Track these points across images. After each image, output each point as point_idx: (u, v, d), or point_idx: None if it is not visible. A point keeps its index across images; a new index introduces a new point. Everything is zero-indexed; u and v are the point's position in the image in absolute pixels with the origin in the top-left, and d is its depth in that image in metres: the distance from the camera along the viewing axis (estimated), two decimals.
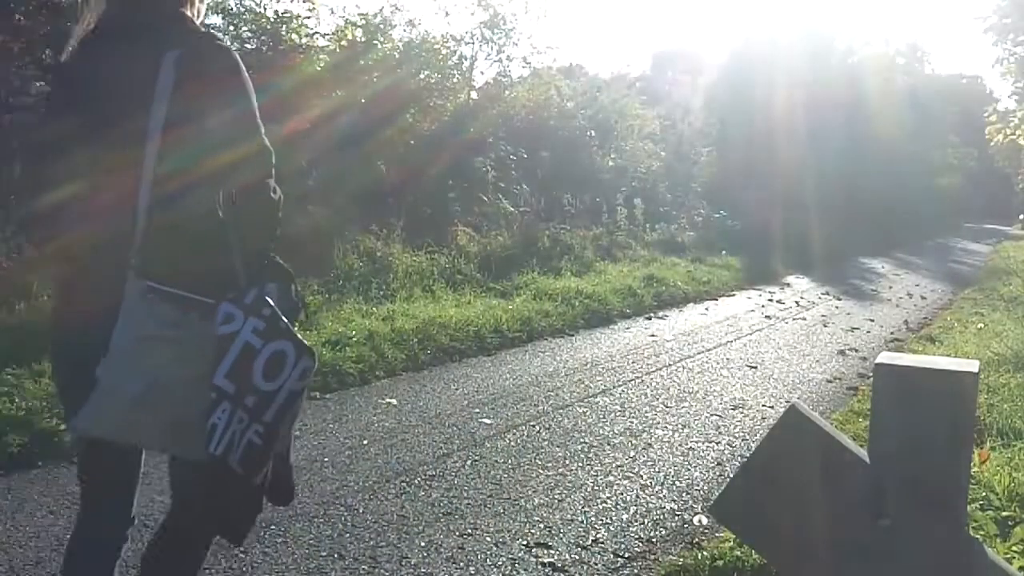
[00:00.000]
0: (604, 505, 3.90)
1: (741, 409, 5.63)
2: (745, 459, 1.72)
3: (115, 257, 1.84)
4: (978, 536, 2.79)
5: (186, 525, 2.07)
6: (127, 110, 1.86)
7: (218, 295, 1.84)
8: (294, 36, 11.11)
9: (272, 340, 1.84)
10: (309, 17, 11.56)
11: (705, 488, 4.18)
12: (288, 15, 11.25)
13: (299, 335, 1.90)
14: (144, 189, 1.84)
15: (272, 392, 1.85)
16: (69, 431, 2.10)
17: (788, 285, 12.46)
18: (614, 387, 6.03)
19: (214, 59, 1.90)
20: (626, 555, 3.42)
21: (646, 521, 3.75)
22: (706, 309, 10.00)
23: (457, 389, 5.77)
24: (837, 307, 10.58)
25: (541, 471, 4.28)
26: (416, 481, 4.06)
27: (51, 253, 2.04)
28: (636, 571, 3.31)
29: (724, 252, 14.17)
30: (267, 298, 1.86)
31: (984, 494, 3.62)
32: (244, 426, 1.83)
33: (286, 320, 1.89)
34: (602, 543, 3.51)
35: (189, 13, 1.99)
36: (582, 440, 4.80)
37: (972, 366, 1.44)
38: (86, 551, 2.08)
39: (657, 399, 5.77)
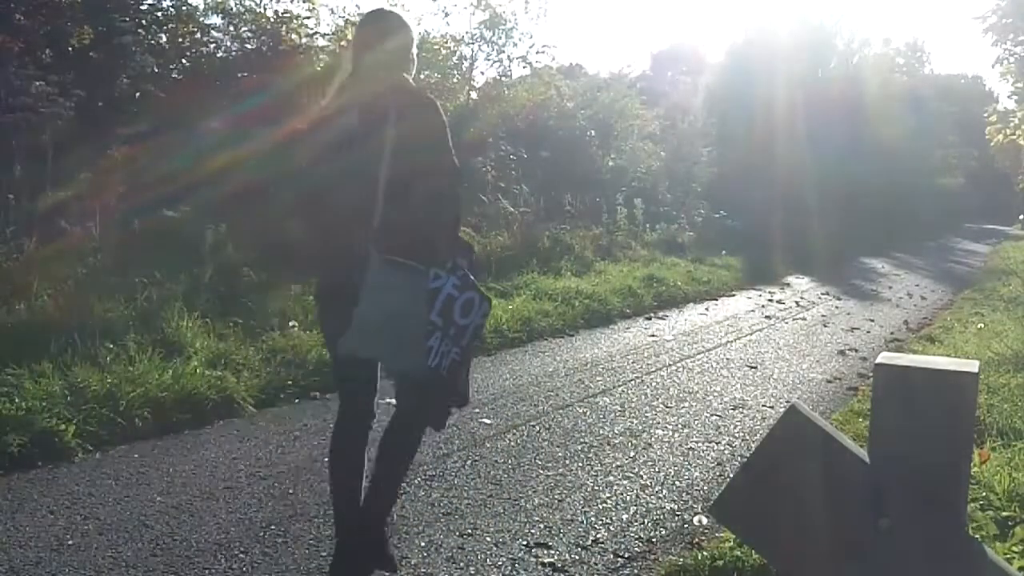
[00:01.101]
0: (604, 505, 3.90)
1: (741, 409, 5.63)
2: (745, 459, 1.72)
3: (363, 237, 2.82)
4: (978, 536, 2.79)
5: (407, 421, 3.03)
6: (369, 145, 2.85)
7: (425, 262, 2.78)
8: (294, 36, 11.11)
9: (465, 291, 2.81)
10: (309, 17, 11.57)
11: (705, 488, 4.18)
12: (288, 15, 11.25)
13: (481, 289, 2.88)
14: (380, 197, 2.82)
15: (466, 326, 2.83)
16: (333, 352, 3.06)
17: (788, 285, 12.47)
18: (614, 387, 6.03)
19: (423, 110, 2.92)
20: (626, 555, 3.42)
21: (646, 521, 3.75)
22: (706, 309, 10.00)
23: None
24: (837, 307, 10.59)
25: (541, 471, 4.28)
26: (416, 481, 4.06)
27: (322, 232, 3.10)
28: (636, 571, 3.31)
29: (724, 252, 14.16)
30: (461, 264, 2.82)
31: (984, 494, 3.62)
32: (448, 348, 2.80)
33: (473, 279, 2.84)
34: (602, 543, 3.51)
35: (407, 76, 3.05)
36: (582, 440, 4.80)
37: (972, 366, 1.44)
38: (346, 433, 3.07)
39: (657, 399, 5.77)
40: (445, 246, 2.84)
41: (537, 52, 14.97)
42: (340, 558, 2.98)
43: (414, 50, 3.12)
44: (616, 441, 4.82)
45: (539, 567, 3.27)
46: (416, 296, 2.76)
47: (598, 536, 3.57)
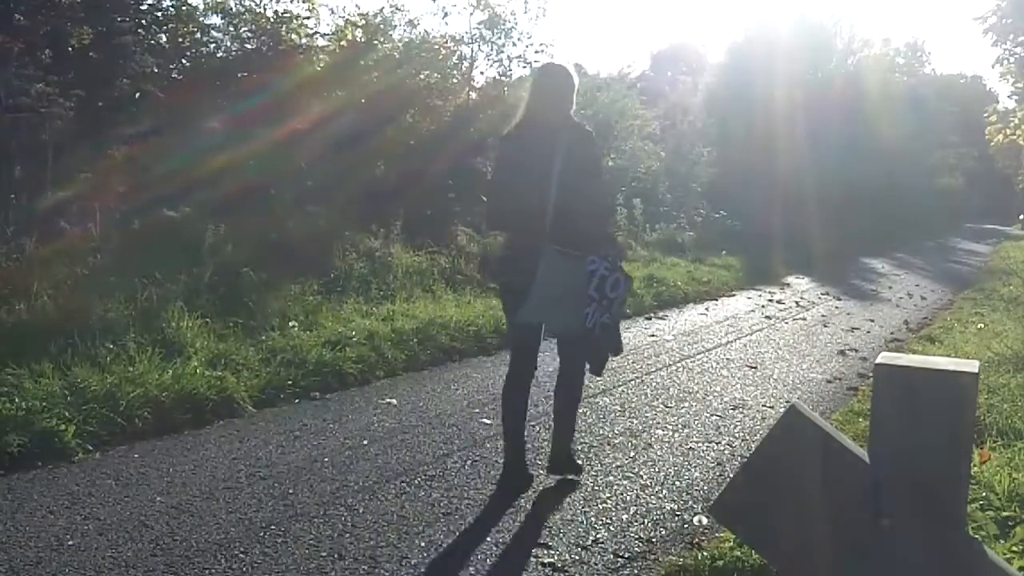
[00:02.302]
0: (604, 505, 3.90)
1: (741, 409, 5.63)
2: (745, 459, 1.72)
3: (538, 233, 3.77)
4: (978, 536, 2.79)
5: (571, 370, 4.08)
6: (543, 163, 3.80)
7: (586, 252, 3.77)
8: (294, 36, 11.11)
9: (613, 272, 3.79)
10: (309, 17, 11.57)
11: (705, 488, 4.18)
12: (288, 15, 11.25)
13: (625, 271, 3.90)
14: (550, 206, 3.76)
15: (614, 298, 3.80)
16: (512, 322, 4.01)
17: (788, 285, 12.46)
18: (614, 387, 6.03)
19: (583, 139, 3.95)
20: (626, 555, 3.42)
21: (646, 521, 3.75)
22: (706, 309, 10.00)
23: (457, 389, 5.77)
24: (837, 307, 10.58)
25: (541, 471, 4.27)
26: (416, 481, 4.06)
27: (507, 230, 4.23)
28: (636, 571, 3.31)
29: (724, 252, 14.16)
30: (611, 253, 3.83)
31: (984, 494, 3.62)
32: (600, 315, 3.77)
33: (620, 265, 3.87)
34: (602, 543, 3.51)
35: (571, 113, 4.00)
36: (582, 440, 4.79)
37: (972, 366, 1.44)
38: (515, 382, 4.07)
39: (657, 399, 5.77)
40: (600, 242, 3.84)
41: (536, 52, 14.96)
42: (508, 472, 4.02)
43: (575, 94, 4.00)
44: (616, 441, 4.82)
45: (539, 567, 3.27)
46: (576, 277, 3.73)
47: (598, 536, 3.57)
